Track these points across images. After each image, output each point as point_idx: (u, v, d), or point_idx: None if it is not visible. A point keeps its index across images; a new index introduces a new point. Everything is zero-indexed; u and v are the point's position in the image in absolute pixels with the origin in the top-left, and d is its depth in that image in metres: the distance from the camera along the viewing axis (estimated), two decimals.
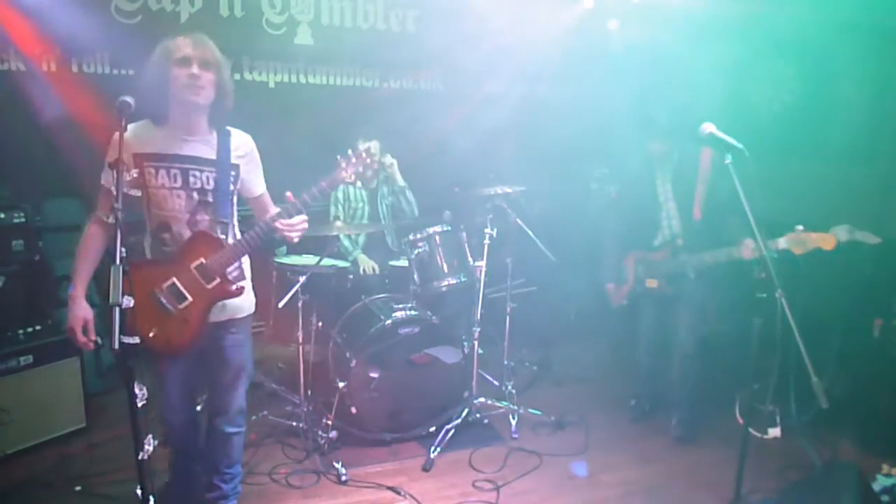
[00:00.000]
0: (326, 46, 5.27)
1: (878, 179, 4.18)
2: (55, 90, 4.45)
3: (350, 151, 2.67)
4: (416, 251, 4.10)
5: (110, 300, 1.94)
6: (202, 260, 2.57)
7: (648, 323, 4.17)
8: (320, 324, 4.03)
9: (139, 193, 2.58)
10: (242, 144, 2.73)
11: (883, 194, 4.17)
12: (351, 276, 4.41)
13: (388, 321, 3.84)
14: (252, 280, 2.88)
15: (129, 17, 4.62)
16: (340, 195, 4.84)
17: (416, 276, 4.13)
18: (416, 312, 3.96)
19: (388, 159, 4.73)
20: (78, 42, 4.48)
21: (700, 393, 4.14)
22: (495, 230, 4.07)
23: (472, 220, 4.35)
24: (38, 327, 3.79)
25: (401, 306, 4.02)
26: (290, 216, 2.61)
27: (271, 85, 5.26)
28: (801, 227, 3.28)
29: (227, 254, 2.58)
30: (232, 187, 2.67)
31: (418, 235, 4.12)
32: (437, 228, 4.13)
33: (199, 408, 3.14)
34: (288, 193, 2.61)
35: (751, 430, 3.20)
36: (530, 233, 4.39)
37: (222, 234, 2.61)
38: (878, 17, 3.93)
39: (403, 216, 4.84)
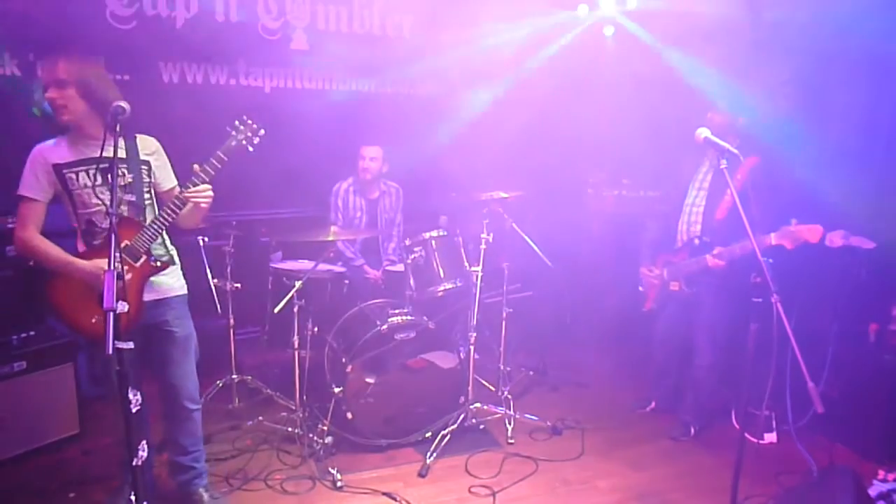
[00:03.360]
0: (322, 52, 5.27)
1: (872, 185, 4.19)
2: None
3: (237, 122, 2.90)
4: (412, 256, 4.09)
5: (104, 305, 1.94)
6: (126, 242, 2.78)
7: (666, 322, 4.24)
8: (316, 329, 4.03)
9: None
10: (149, 145, 2.96)
11: (877, 200, 4.18)
12: (347, 282, 4.40)
13: (384, 326, 3.84)
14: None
15: (124, 22, 4.62)
16: (340, 203, 4.84)
17: (412, 281, 4.12)
18: (411, 317, 3.95)
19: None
20: (73, 47, 4.46)
21: (710, 402, 4.19)
22: (491, 235, 4.07)
23: (468, 225, 4.35)
24: (31, 333, 3.77)
25: (397, 311, 4.02)
26: (196, 186, 2.80)
27: (267, 90, 5.27)
28: (794, 220, 3.28)
29: (147, 233, 2.79)
30: (147, 179, 2.91)
31: (414, 240, 4.12)
32: (434, 233, 4.13)
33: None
34: (195, 165, 2.82)
35: (747, 435, 3.20)
36: (527, 238, 4.39)
37: (140, 217, 2.85)
38: (875, 22, 3.94)
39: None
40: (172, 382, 3.05)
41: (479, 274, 4.04)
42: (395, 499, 3.40)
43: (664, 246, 4.11)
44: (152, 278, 2.88)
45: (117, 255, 2.10)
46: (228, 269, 4.26)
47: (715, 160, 3.81)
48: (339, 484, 3.48)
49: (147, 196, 2.90)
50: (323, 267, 4.04)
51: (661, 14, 5.15)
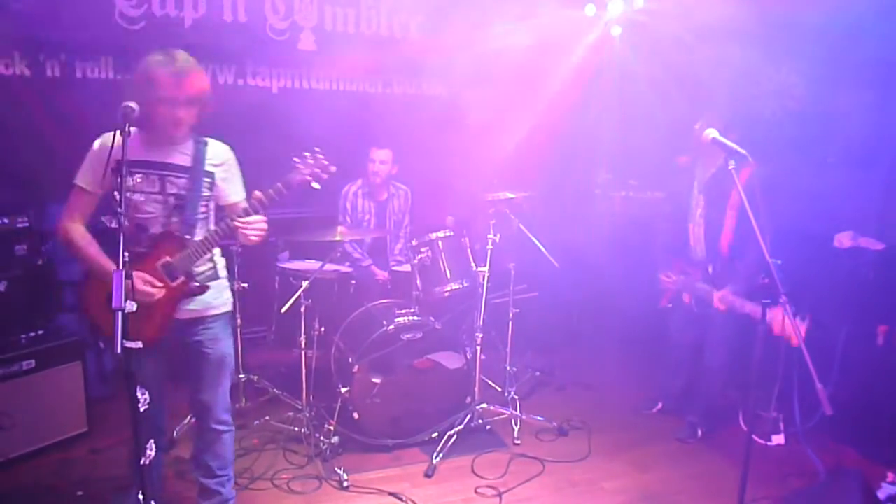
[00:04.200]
0: (329, 52, 5.28)
1: (881, 185, 4.17)
2: (60, 95, 4.48)
3: (307, 153, 2.72)
4: (418, 256, 4.10)
5: (113, 305, 1.95)
6: (167, 259, 2.65)
7: (682, 320, 4.19)
8: (322, 329, 4.03)
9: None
10: (219, 154, 2.80)
11: (886, 200, 4.16)
12: (353, 282, 4.41)
13: (391, 326, 3.84)
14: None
15: (132, 22, 4.64)
16: (349, 205, 4.83)
17: (418, 282, 4.13)
18: (418, 318, 3.96)
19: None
20: (82, 48, 4.50)
21: (718, 404, 4.16)
22: (498, 235, 4.07)
23: (475, 225, 4.35)
24: (40, 332, 3.79)
25: (403, 311, 4.02)
26: (248, 216, 2.64)
27: (274, 90, 5.28)
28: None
29: (190, 253, 2.65)
30: (206, 193, 2.75)
31: (421, 241, 4.12)
32: (441, 234, 4.13)
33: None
34: (256, 192, 2.67)
35: (754, 436, 3.19)
36: (533, 238, 4.39)
37: (188, 235, 2.69)
38: (883, 25, 3.93)
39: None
40: (202, 401, 2.91)
41: (486, 274, 4.04)
42: (401, 499, 3.41)
43: (678, 250, 4.09)
44: None
45: (125, 254, 2.10)
46: (235, 269, 4.26)
47: (721, 162, 3.80)
48: (345, 484, 3.48)
49: (202, 211, 2.74)
50: (330, 267, 4.04)
51: (668, 14, 5.14)
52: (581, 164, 6.03)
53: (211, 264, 2.84)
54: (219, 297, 2.87)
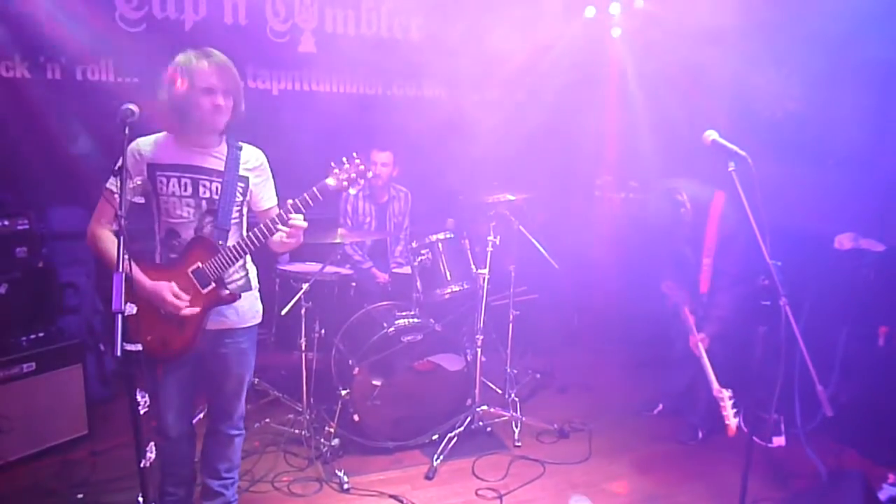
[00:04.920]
0: (330, 54, 5.29)
1: (882, 187, 4.17)
2: (60, 97, 4.48)
3: (344, 159, 2.70)
4: (419, 258, 4.10)
5: (113, 307, 1.95)
6: (199, 264, 2.62)
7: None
8: (323, 331, 4.03)
9: (142, 201, 2.64)
10: (252, 158, 2.79)
11: (887, 202, 4.16)
12: (354, 284, 4.41)
13: (391, 329, 3.84)
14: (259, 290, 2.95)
15: (133, 25, 4.65)
16: (349, 208, 4.82)
17: (418, 284, 4.13)
18: (418, 320, 3.96)
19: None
20: (83, 50, 4.51)
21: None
22: (498, 238, 4.08)
23: (475, 227, 4.35)
24: (41, 334, 3.79)
25: (403, 314, 4.02)
26: (282, 221, 2.63)
27: (275, 92, 5.28)
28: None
29: (222, 258, 2.62)
30: (240, 198, 2.73)
31: (421, 243, 4.12)
32: (441, 236, 4.13)
33: (194, 420, 3.10)
34: (289, 201, 2.65)
35: (755, 438, 3.18)
36: (533, 240, 4.39)
37: (221, 240, 2.66)
38: (881, 24, 3.93)
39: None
40: (222, 410, 2.92)
41: (486, 276, 4.04)
42: (401, 501, 3.41)
43: (679, 264, 4.08)
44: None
45: (126, 256, 2.09)
46: None
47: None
48: (345, 486, 3.48)
49: (235, 216, 2.72)
50: (330, 269, 4.04)
51: (668, 15, 5.14)
52: (581, 165, 6.03)
53: (244, 272, 2.81)
54: (250, 309, 2.84)
